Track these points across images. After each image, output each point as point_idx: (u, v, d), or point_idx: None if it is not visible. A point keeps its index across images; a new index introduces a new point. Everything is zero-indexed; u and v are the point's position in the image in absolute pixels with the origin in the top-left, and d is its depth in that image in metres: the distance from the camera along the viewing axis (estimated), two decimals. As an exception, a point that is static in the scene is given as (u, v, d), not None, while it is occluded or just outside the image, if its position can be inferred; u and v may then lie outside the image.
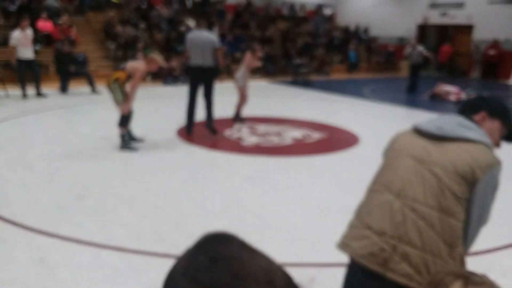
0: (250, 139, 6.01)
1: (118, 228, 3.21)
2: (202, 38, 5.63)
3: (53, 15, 11.97)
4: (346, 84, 12.99)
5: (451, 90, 9.96)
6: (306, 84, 12.27)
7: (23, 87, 8.45)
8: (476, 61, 15.26)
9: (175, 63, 11.68)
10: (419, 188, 1.40)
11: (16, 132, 5.91)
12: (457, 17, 15.72)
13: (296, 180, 4.40)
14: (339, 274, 1.86)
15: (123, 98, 5.11)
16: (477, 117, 1.52)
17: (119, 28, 12.07)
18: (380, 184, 1.50)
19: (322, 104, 9.28)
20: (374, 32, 17.85)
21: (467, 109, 1.55)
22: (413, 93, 10.85)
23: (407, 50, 11.10)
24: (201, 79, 5.83)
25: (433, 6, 16.47)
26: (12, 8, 11.68)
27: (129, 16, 13.02)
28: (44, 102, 8.14)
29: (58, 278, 2.55)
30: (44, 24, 11.36)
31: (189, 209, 3.58)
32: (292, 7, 18.22)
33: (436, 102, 9.76)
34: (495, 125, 1.52)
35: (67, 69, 9.23)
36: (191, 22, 14.36)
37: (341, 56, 16.23)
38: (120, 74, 5.09)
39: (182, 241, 3.01)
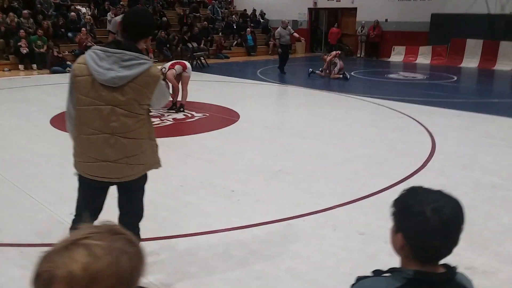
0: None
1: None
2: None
3: None
4: (243, 66, 13.73)
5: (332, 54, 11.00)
6: (203, 67, 12.78)
7: None
8: (361, 42, 16.89)
9: (62, 49, 11.34)
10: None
11: None
12: (343, 0, 17.15)
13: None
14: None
15: None
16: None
17: (-1, 16, 11.33)
18: None
19: (215, 86, 9.87)
20: (270, 16, 18.80)
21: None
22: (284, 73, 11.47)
23: (278, 31, 11.22)
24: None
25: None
26: None
27: (11, 3, 12.22)
28: None
29: None
30: None
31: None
32: (190, -9, 18.34)
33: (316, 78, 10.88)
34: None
35: None
36: (83, 9, 13.92)
37: (239, 40, 16.92)
38: None
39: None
